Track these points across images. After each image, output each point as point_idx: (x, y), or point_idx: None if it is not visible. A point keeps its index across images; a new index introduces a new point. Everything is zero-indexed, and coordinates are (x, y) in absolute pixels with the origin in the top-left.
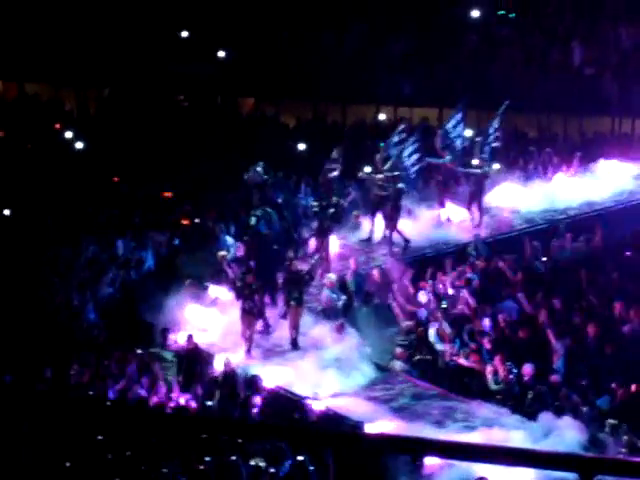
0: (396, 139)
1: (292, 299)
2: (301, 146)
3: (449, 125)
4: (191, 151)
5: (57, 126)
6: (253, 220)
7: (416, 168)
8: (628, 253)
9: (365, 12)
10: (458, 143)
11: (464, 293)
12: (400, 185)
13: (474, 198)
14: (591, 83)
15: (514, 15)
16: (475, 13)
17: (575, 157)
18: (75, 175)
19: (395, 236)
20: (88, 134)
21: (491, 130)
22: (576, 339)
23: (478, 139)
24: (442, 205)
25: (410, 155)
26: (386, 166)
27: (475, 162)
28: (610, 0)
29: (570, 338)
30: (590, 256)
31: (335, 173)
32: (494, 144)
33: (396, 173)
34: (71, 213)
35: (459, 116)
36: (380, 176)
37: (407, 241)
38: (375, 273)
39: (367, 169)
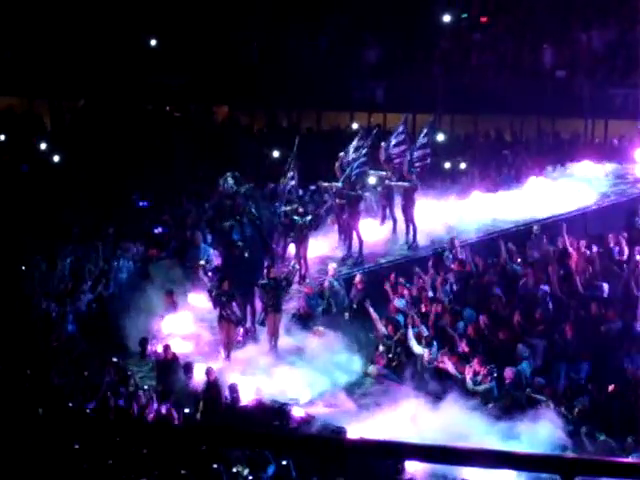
0: (355, 145)
1: (270, 306)
2: (275, 153)
3: (392, 139)
4: (166, 160)
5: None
6: (226, 230)
7: (357, 171)
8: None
9: (338, 19)
10: (399, 158)
11: (440, 296)
12: (357, 192)
13: (405, 212)
14: (563, 85)
15: (486, 19)
16: (447, 18)
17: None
18: (51, 186)
19: (355, 243)
20: (63, 146)
21: (420, 144)
22: (552, 340)
23: (407, 154)
24: (383, 217)
25: (358, 158)
26: (344, 174)
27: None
28: (581, 3)
29: (546, 339)
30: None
31: (292, 182)
32: (424, 161)
33: (352, 180)
34: (48, 225)
35: (401, 129)
36: (338, 184)
37: (361, 252)
38: (357, 278)
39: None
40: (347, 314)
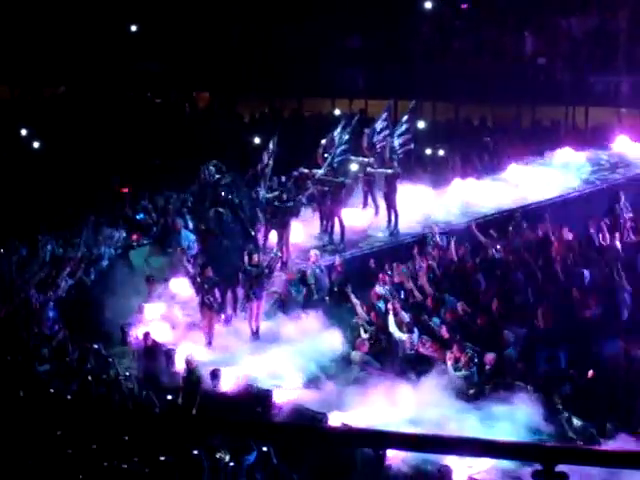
0: (336, 132)
1: (252, 293)
2: (257, 140)
3: (376, 125)
4: (147, 147)
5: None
6: (205, 220)
7: (339, 158)
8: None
9: (319, 5)
10: (381, 144)
11: (422, 282)
12: (339, 179)
13: (387, 199)
14: (544, 72)
15: (466, 6)
16: (428, 4)
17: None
18: (32, 173)
19: (336, 230)
20: (44, 132)
21: (401, 130)
22: (532, 327)
23: (389, 139)
24: (364, 204)
25: (340, 145)
26: (326, 160)
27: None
28: None
29: (526, 326)
30: (542, 245)
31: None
32: (407, 146)
33: (335, 167)
34: (28, 211)
35: (385, 116)
36: (320, 171)
37: (343, 239)
38: (337, 261)
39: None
40: (328, 299)
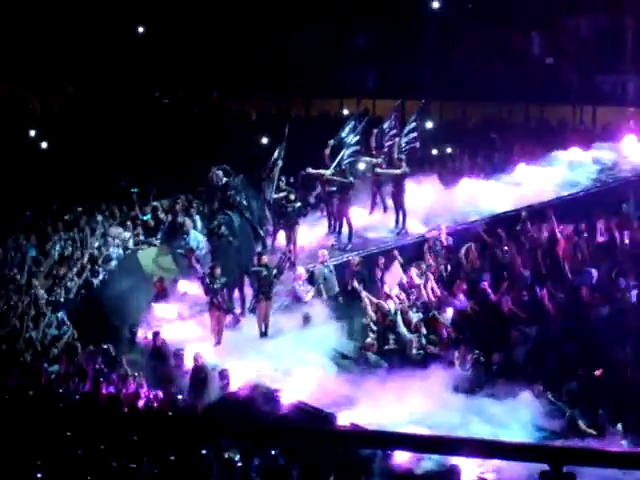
0: (344, 132)
1: (261, 293)
2: (264, 140)
3: (385, 125)
4: (155, 147)
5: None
6: (214, 227)
7: (349, 160)
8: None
9: (328, 6)
10: (389, 144)
11: (430, 283)
12: (348, 179)
13: (394, 199)
14: (551, 72)
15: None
16: (435, 4)
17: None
18: (40, 173)
19: (345, 230)
20: (52, 132)
21: (409, 129)
22: (540, 326)
23: (396, 139)
24: (373, 204)
25: (350, 146)
26: (334, 162)
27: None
28: None
29: (536, 325)
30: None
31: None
32: (413, 144)
33: (343, 167)
34: (37, 211)
35: (393, 116)
36: (327, 172)
37: (350, 239)
38: (355, 260)
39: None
40: (341, 298)
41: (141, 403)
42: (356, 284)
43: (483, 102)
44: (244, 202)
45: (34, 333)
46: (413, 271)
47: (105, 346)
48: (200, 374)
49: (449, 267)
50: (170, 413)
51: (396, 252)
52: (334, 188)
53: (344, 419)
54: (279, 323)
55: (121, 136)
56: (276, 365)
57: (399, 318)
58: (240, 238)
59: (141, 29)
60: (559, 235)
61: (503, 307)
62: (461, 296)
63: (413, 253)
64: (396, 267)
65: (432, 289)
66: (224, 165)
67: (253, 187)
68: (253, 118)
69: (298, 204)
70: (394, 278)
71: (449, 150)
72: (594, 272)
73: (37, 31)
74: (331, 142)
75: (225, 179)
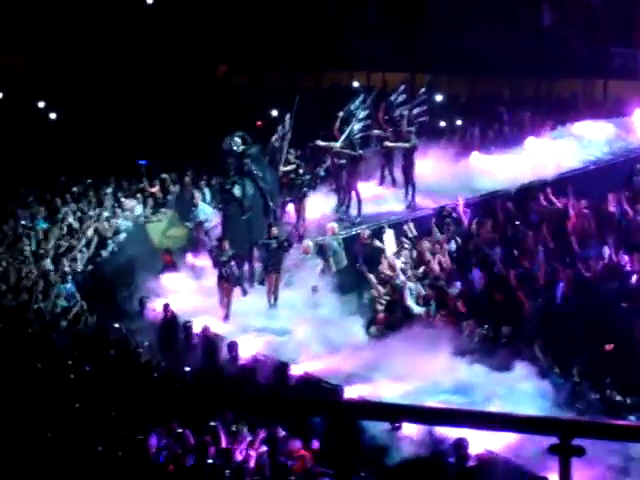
0: (354, 105)
1: (270, 265)
2: (274, 112)
3: (393, 98)
4: (165, 118)
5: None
6: (228, 185)
7: (360, 134)
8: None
9: None
10: (398, 117)
11: (440, 256)
12: (357, 152)
13: (404, 172)
14: (562, 44)
15: None
16: None
17: (545, 123)
18: (50, 145)
19: (354, 203)
20: (62, 104)
21: (418, 102)
22: (549, 300)
23: (406, 112)
24: (382, 177)
25: (360, 120)
26: (343, 135)
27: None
28: None
29: (543, 299)
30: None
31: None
32: (421, 118)
33: (353, 140)
34: (46, 183)
35: (402, 89)
36: (337, 144)
37: (360, 212)
38: (365, 233)
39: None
40: (361, 267)
41: (151, 375)
42: (360, 264)
43: (493, 75)
44: (259, 172)
45: (43, 304)
46: (424, 244)
47: (117, 325)
48: (208, 346)
49: (459, 240)
50: (178, 384)
51: (411, 225)
52: (343, 161)
53: (352, 391)
54: (288, 295)
55: (130, 108)
56: (284, 338)
57: (407, 291)
58: (252, 207)
59: (150, 0)
60: (571, 210)
61: (512, 281)
62: (473, 269)
63: (423, 226)
64: (389, 238)
65: (441, 262)
66: (242, 132)
67: (265, 158)
68: (264, 90)
69: (307, 177)
70: (389, 250)
71: (459, 123)
72: (605, 248)
73: (46, 2)
74: (340, 114)
75: (242, 147)
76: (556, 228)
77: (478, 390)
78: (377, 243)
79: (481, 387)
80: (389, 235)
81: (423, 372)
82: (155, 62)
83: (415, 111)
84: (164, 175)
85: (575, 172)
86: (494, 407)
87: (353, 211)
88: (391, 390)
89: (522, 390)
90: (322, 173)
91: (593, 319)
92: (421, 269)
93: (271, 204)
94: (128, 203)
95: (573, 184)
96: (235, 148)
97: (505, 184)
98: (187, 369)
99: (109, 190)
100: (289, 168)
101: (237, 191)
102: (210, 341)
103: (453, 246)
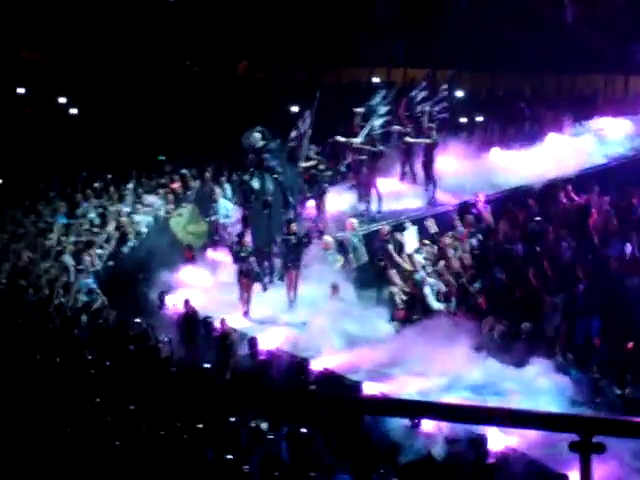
0: (374, 101)
1: (290, 261)
2: (295, 108)
3: (414, 94)
4: (186, 114)
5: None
6: (247, 177)
7: (379, 130)
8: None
9: None
10: (419, 113)
11: (461, 253)
12: (378, 148)
13: (425, 168)
14: (583, 41)
15: None
16: None
17: (566, 119)
18: (70, 140)
19: (374, 199)
20: (83, 100)
21: (439, 98)
22: (570, 296)
23: (427, 108)
24: (402, 173)
25: (380, 115)
26: (364, 131)
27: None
28: None
29: (564, 296)
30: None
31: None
32: (443, 115)
33: (373, 136)
34: (67, 178)
35: (423, 85)
36: (357, 140)
37: (380, 208)
38: (385, 229)
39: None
40: (382, 263)
41: (171, 370)
42: (381, 259)
43: (514, 71)
44: (279, 168)
45: (64, 299)
46: (446, 240)
47: (137, 320)
48: (227, 341)
49: (480, 236)
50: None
51: (432, 221)
52: (364, 157)
53: (371, 387)
54: (308, 292)
55: (151, 104)
56: (304, 333)
57: (428, 287)
58: (272, 203)
59: None
60: (593, 207)
61: (533, 278)
62: (494, 265)
63: (444, 222)
64: (410, 234)
65: (462, 258)
66: (261, 127)
67: (285, 154)
68: (283, 86)
69: (328, 173)
70: (410, 246)
71: (480, 119)
72: (627, 245)
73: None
74: (360, 110)
75: (262, 142)
76: (577, 225)
77: (497, 386)
78: (398, 238)
79: (500, 383)
80: (410, 231)
81: (442, 368)
82: (176, 58)
83: (436, 107)
84: (184, 170)
85: (596, 168)
86: (513, 404)
87: (373, 207)
88: (410, 386)
89: (541, 386)
90: (343, 169)
91: (614, 316)
92: (441, 265)
93: (291, 199)
94: (150, 199)
95: (595, 180)
96: (255, 143)
97: (526, 180)
98: (207, 366)
99: (130, 185)
100: (310, 164)
101: (255, 184)
102: (228, 336)
103: (474, 242)
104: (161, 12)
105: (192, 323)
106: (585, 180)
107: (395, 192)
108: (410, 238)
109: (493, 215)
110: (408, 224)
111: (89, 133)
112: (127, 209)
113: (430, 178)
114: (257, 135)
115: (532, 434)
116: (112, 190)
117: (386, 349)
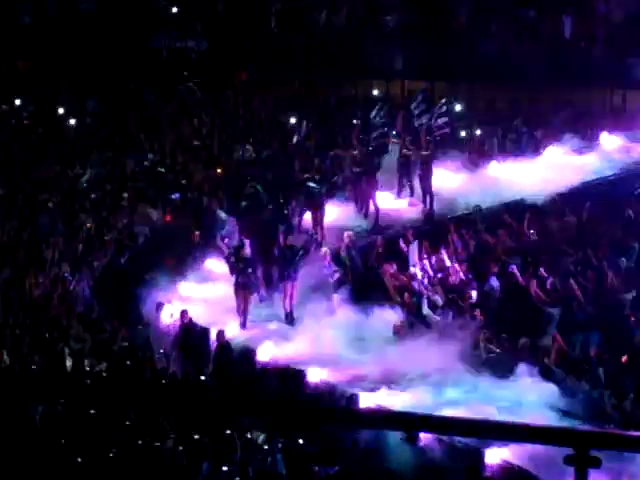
0: (372, 114)
1: (287, 273)
2: (293, 120)
3: (412, 107)
4: (183, 126)
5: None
6: (243, 196)
7: (377, 142)
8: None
9: None
10: (417, 126)
11: (457, 265)
12: (375, 161)
13: (422, 181)
14: (582, 55)
15: None
16: None
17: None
18: (68, 151)
19: (371, 211)
20: (79, 110)
21: (439, 113)
22: (568, 310)
23: (425, 121)
24: (400, 186)
25: (379, 128)
26: (361, 143)
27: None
28: None
29: (561, 310)
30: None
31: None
32: (444, 130)
33: (370, 149)
34: (66, 190)
35: (421, 98)
36: (355, 152)
37: (377, 220)
38: (379, 241)
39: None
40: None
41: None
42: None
43: (512, 85)
44: (273, 179)
45: (59, 310)
46: (444, 253)
47: (133, 331)
48: (223, 352)
49: (476, 249)
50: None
51: (428, 234)
52: (361, 169)
53: (368, 399)
54: (304, 304)
55: (149, 115)
56: (301, 345)
57: (425, 299)
58: (266, 214)
59: (174, 9)
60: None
61: (531, 291)
62: (491, 278)
63: (440, 235)
64: (412, 248)
65: (458, 271)
66: (253, 140)
67: (282, 165)
68: (282, 99)
69: (325, 185)
70: (412, 258)
71: (478, 132)
72: (623, 259)
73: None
74: (358, 122)
75: (254, 155)
76: (572, 239)
77: (492, 399)
78: (400, 250)
79: (494, 396)
80: (408, 244)
81: (438, 380)
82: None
83: (437, 122)
84: (183, 181)
85: (593, 183)
86: (509, 416)
87: (370, 219)
88: (404, 398)
89: (537, 399)
90: (340, 181)
91: (610, 329)
92: (438, 277)
93: (285, 211)
94: (144, 209)
95: (590, 195)
96: (247, 155)
97: (524, 194)
98: (203, 378)
99: (126, 196)
100: (307, 176)
101: (252, 204)
102: (225, 347)
103: (470, 255)
104: (162, 22)
105: (189, 334)
106: (581, 193)
107: (392, 205)
108: (407, 250)
109: (490, 228)
110: (406, 237)
111: (86, 143)
112: (124, 220)
113: (427, 191)
114: (249, 147)
115: (527, 448)
116: (109, 201)
117: (382, 361)
